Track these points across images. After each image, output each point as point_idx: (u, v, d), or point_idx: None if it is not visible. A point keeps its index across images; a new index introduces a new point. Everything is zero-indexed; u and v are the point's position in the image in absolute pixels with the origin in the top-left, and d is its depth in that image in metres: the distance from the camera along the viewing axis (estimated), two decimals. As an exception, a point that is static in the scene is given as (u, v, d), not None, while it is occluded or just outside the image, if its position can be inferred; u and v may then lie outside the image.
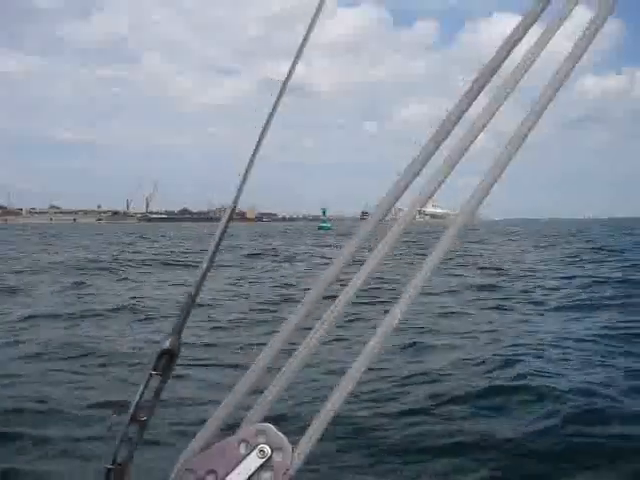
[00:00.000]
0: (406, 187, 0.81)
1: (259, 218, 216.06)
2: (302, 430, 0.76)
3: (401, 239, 0.80)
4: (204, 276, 0.88)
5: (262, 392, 0.79)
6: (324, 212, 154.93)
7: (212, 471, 0.76)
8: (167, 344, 0.85)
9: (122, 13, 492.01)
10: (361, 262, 0.82)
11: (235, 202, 0.94)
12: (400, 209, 0.91)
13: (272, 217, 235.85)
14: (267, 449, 0.75)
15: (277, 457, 0.74)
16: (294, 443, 0.75)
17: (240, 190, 0.94)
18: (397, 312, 0.77)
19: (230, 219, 0.94)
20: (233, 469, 0.75)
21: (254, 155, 0.94)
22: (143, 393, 0.83)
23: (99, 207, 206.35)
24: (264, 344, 0.81)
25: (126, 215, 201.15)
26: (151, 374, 0.83)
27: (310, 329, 0.79)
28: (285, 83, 0.95)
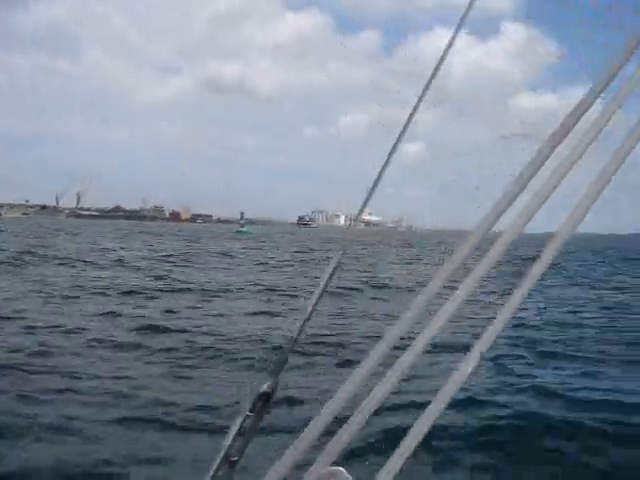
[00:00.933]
0: (506, 207, 0.78)
1: (193, 219, 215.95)
2: (376, 470, 0.75)
3: (500, 260, 0.76)
4: (308, 319, 0.89)
5: (335, 432, 0.77)
6: (242, 216, 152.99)
7: None
8: (265, 387, 0.88)
9: (63, 3, 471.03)
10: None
11: (357, 216, 0.97)
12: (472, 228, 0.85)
13: (206, 219, 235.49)
14: None
15: None
16: None
17: (365, 204, 0.95)
18: (486, 340, 0.74)
19: (342, 257, 0.94)
20: None
21: (384, 168, 0.95)
22: (237, 434, 0.85)
23: (27, 201, 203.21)
24: (343, 382, 0.79)
25: (55, 210, 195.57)
26: (247, 415, 0.86)
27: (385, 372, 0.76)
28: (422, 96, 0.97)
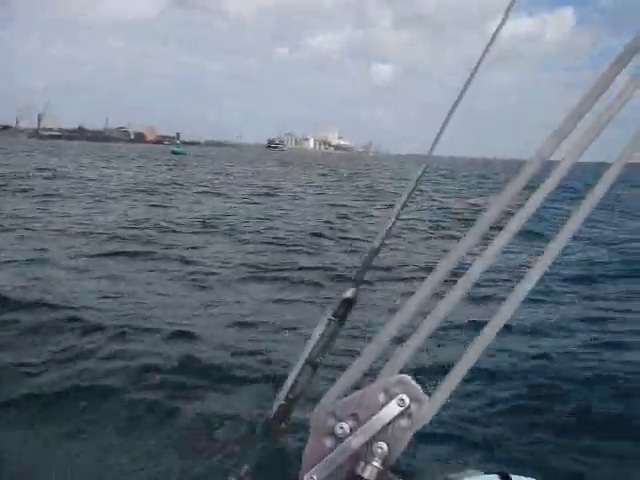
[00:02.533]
0: (562, 139, 0.81)
1: (159, 141, 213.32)
2: (437, 382, 0.81)
3: (555, 190, 0.80)
4: (390, 230, 0.94)
5: (402, 343, 0.82)
6: (178, 136, 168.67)
7: (354, 415, 0.80)
8: (349, 293, 0.93)
9: None
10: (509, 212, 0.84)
11: (430, 153, 0.98)
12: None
13: (172, 140, 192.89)
14: (406, 399, 0.79)
15: (414, 407, 0.79)
16: (429, 394, 0.80)
17: (437, 140, 0.97)
18: (545, 261, 0.79)
19: (420, 181, 1.00)
20: (373, 415, 0.79)
21: (455, 105, 0.97)
22: (321, 337, 0.91)
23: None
24: (412, 292, 0.84)
25: (16, 131, 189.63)
26: (330, 319, 0.91)
27: (455, 281, 0.81)
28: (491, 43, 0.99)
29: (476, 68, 0.98)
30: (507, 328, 5.10)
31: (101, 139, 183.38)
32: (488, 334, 0.80)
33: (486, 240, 0.82)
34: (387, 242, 0.95)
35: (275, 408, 0.88)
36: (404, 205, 0.99)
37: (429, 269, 0.85)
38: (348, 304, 0.94)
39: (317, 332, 0.91)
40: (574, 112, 0.81)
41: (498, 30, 0.95)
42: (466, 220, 16.98)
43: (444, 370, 0.81)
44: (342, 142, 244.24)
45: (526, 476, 1.21)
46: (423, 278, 0.83)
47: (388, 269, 9.80)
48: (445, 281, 0.82)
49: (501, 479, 1.22)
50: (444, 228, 16.75)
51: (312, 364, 0.90)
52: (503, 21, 0.96)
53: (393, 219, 0.97)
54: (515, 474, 1.20)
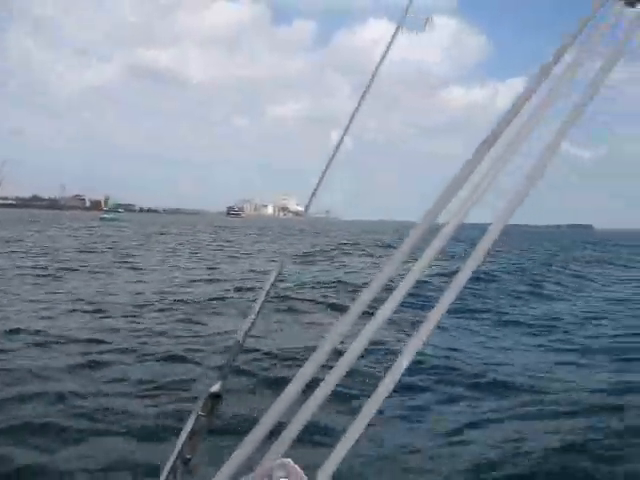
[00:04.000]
0: (449, 199, 0.84)
1: (116, 209, 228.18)
2: (322, 461, 0.81)
3: (441, 251, 0.82)
4: (253, 323, 0.94)
5: (285, 426, 0.82)
6: (106, 202, 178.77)
7: None
8: (215, 388, 0.93)
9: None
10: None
11: (307, 207, 1.02)
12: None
13: (129, 207, 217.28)
14: None
15: None
16: (313, 476, 0.80)
17: (312, 197, 1.00)
18: (423, 334, 0.79)
19: (279, 275, 1.01)
20: None
21: (330, 162, 1.00)
22: (190, 433, 0.90)
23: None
24: (290, 378, 0.85)
25: None
26: (199, 415, 0.91)
27: (331, 367, 0.81)
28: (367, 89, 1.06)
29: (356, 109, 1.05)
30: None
31: (56, 207, 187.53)
32: (367, 412, 0.79)
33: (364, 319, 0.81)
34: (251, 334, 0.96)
35: None
36: (265, 301, 0.99)
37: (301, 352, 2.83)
38: (216, 399, 0.94)
39: (186, 428, 0.90)
40: (458, 175, 0.84)
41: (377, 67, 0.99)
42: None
43: (329, 448, 0.81)
44: (300, 208, 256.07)
45: None
46: (300, 365, 0.83)
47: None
48: (323, 366, 0.83)
49: None
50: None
51: (183, 461, 0.90)
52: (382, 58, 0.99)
53: (254, 315, 0.97)
54: None
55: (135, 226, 71.36)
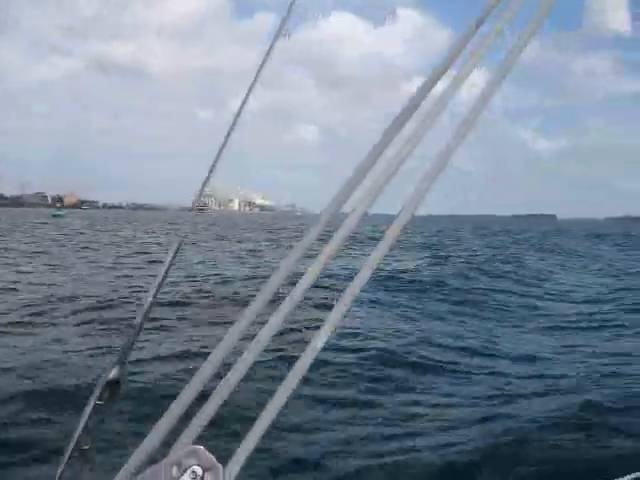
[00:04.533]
0: (352, 190, 0.85)
1: (78, 205, 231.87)
2: (234, 449, 0.81)
3: (345, 242, 0.84)
4: (150, 307, 0.92)
5: (195, 413, 0.82)
6: (59, 199, 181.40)
7: None
8: (112, 374, 0.89)
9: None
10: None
11: (195, 203, 0.98)
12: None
13: (93, 204, 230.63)
14: (199, 470, 0.80)
15: (208, 477, 0.80)
16: (225, 462, 0.80)
17: (201, 191, 0.97)
18: (335, 317, 0.81)
19: (178, 250, 0.98)
20: None
21: (218, 155, 0.98)
22: (87, 422, 0.87)
23: None
24: (198, 367, 0.85)
25: None
26: (96, 403, 0.87)
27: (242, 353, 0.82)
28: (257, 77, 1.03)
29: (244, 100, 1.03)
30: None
31: (18, 205, 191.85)
32: (280, 397, 0.80)
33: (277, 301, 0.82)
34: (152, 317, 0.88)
35: None
36: (162, 283, 0.95)
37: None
38: (114, 385, 0.90)
39: (84, 417, 0.87)
40: (362, 164, 0.85)
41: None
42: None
43: (242, 434, 0.80)
44: (266, 202, 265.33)
45: None
46: (207, 353, 0.82)
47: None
48: (234, 348, 0.82)
49: None
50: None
51: (81, 451, 0.87)
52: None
53: (151, 298, 0.94)
54: None
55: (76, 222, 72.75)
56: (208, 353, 0.82)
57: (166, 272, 0.97)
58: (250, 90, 1.03)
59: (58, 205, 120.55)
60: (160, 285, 0.96)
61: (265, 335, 0.80)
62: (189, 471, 0.78)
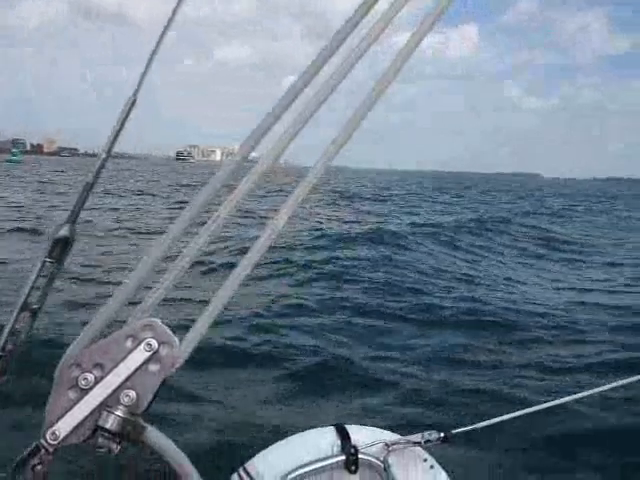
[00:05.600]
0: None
1: (57, 152, 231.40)
2: (189, 324, 0.81)
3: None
4: (102, 164, 0.91)
5: (152, 286, 0.82)
6: (14, 143, 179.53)
7: (98, 364, 0.79)
8: (63, 232, 0.87)
9: None
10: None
11: (109, 151, 0.91)
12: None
13: (73, 152, 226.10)
14: (154, 343, 0.79)
15: (164, 351, 0.79)
16: (180, 337, 0.80)
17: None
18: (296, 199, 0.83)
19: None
20: (120, 362, 0.79)
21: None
22: (35, 281, 0.85)
23: None
24: (154, 240, 0.84)
25: None
26: (44, 261, 0.86)
27: (204, 223, 0.82)
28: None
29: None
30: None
31: None
32: (236, 275, 0.81)
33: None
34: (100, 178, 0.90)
35: None
36: (112, 143, 0.91)
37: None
38: (64, 243, 0.87)
39: (32, 275, 0.85)
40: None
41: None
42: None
43: (198, 311, 0.81)
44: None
45: (361, 425, 1.28)
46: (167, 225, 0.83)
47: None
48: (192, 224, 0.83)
49: (337, 431, 1.30)
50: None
51: (30, 310, 0.86)
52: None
53: (104, 154, 0.91)
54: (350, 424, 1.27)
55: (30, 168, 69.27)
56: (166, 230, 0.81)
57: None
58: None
59: (14, 151, 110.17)
60: (108, 151, 0.92)
61: (223, 212, 0.80)
62: (144, 343, 0.78)
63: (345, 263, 10.48)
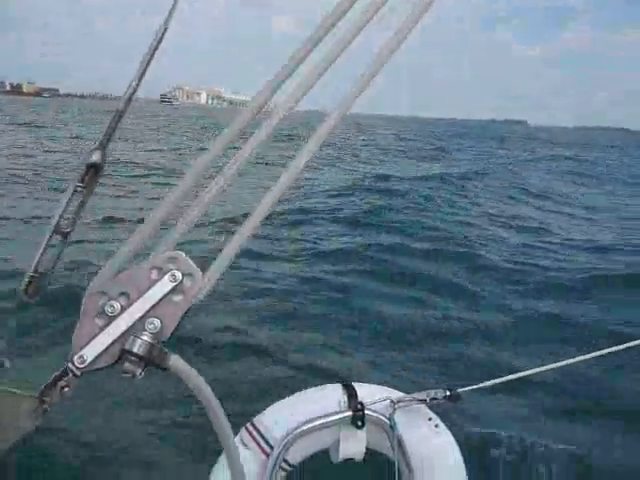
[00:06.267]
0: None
1: (38, 93, 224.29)
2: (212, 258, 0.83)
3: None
4: (133, 91, 0.91)
5: (177, 219, 0.83)
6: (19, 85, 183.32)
7: (124, 293, 0.82)
8: (94, 157, 0.89)
9: None
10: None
11: (139, 79, 0.91)
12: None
13: (54, 92, 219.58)
14: (178, 274, 0.81)
15: (187, 282, 0.82)
16: (204, 270, 0.82)
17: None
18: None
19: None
20: (145, 292, 0.82)
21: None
22: (67, 205, 0.87)
23: None
24: (183, 174, 0.85)
25: None
26: (77, 187, 0.88)
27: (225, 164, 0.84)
28: None
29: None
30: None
31: None
32: (258, 215, 0.84)
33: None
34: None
35: (25, 280, 0.84)
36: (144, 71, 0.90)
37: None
38: (95, 169, 0.89)
39: (63, 200, 0.87)
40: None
41: None
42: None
43: (221, 245, 0.82)
44: (236, 97, 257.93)
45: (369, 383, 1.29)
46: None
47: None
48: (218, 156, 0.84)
49: (344, 388, 1.33)
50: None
51: (62, 234, 0.88)
52: None
53: (135, 82, 0.90)
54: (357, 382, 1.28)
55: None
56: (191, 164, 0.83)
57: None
58: None
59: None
60: (141, 77, 0.90)
61: (249, 147, 0.81)
62: (168, 274, 0.81)
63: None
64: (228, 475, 1.02)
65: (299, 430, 1.31)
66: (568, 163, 28.14)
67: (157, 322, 0.82)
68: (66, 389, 0.83)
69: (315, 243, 8.43)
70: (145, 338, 0.81)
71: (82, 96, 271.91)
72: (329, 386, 1.37)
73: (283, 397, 1.41)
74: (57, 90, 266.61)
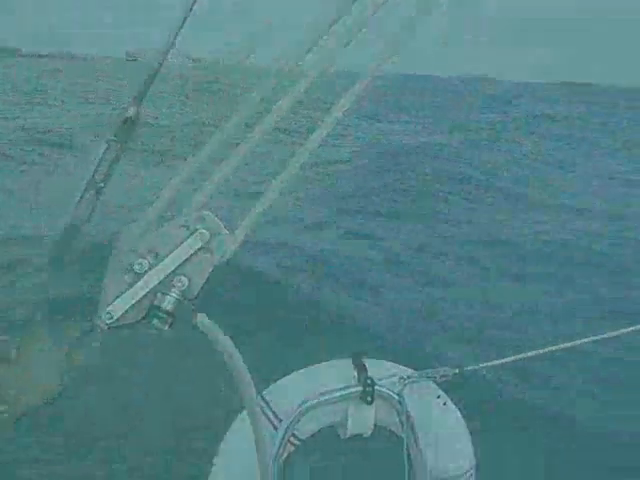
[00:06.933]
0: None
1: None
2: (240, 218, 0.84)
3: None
4: (168, 50, 0.90)
5: (204, 181, 0.84)
6: None
7: (153, 251, 0.84)
8: (130, 112, 0.88)
9: None
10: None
11: (174, 37, 0.89)
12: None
13: (11, 52, 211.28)
14: (206, 233, 0.83)
15: (215, 242, 0.84)
16: (231, 230, 0.83)
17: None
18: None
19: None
20: (173, 250, 0.83)
21: None
22: (102, 159, 0.87)
23: None
24: (206, 141, 0.85)
25: None
26: (110, 140, 0.87)
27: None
28: None
29: None
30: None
31: None
32: (289, 174, 0.85)
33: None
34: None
35: (61, 233, 0.85)
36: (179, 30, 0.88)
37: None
38: (131, 124, 0.88)
39: (98, 155, 0.87)
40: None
41: None
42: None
43: (249, 208, 0.84)
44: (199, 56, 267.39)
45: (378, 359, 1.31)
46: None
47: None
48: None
49: (354, 363, 1.35)
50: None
51: (96, 189, 0.87)
52: None
53: (172, 39, 0.89)
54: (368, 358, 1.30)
55: None
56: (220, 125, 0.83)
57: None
58: None
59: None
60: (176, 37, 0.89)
61: (273, 117, 0.81)
62: (196, 233, 0.83)
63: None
64: (242, 438, 1.05)
65: (308, 404, 1.31)
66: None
67: (185, 280, 0.85)
68: (93, 344, 0.86)
69: (344, 199, 8.50)
70: (174, 295, 0.84)
71: (45, 56, 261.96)
72: (339, 361, 1.37)
73: (293, 371, 1.42)
74: (20, 49, 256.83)
